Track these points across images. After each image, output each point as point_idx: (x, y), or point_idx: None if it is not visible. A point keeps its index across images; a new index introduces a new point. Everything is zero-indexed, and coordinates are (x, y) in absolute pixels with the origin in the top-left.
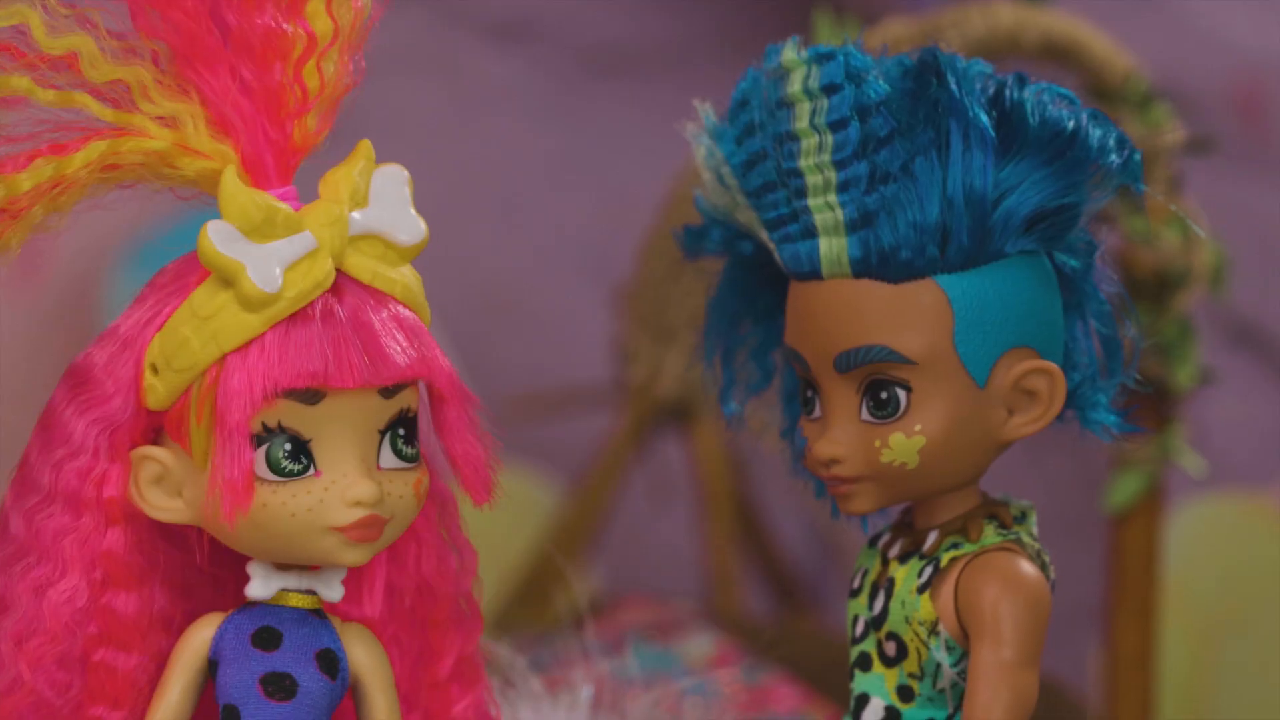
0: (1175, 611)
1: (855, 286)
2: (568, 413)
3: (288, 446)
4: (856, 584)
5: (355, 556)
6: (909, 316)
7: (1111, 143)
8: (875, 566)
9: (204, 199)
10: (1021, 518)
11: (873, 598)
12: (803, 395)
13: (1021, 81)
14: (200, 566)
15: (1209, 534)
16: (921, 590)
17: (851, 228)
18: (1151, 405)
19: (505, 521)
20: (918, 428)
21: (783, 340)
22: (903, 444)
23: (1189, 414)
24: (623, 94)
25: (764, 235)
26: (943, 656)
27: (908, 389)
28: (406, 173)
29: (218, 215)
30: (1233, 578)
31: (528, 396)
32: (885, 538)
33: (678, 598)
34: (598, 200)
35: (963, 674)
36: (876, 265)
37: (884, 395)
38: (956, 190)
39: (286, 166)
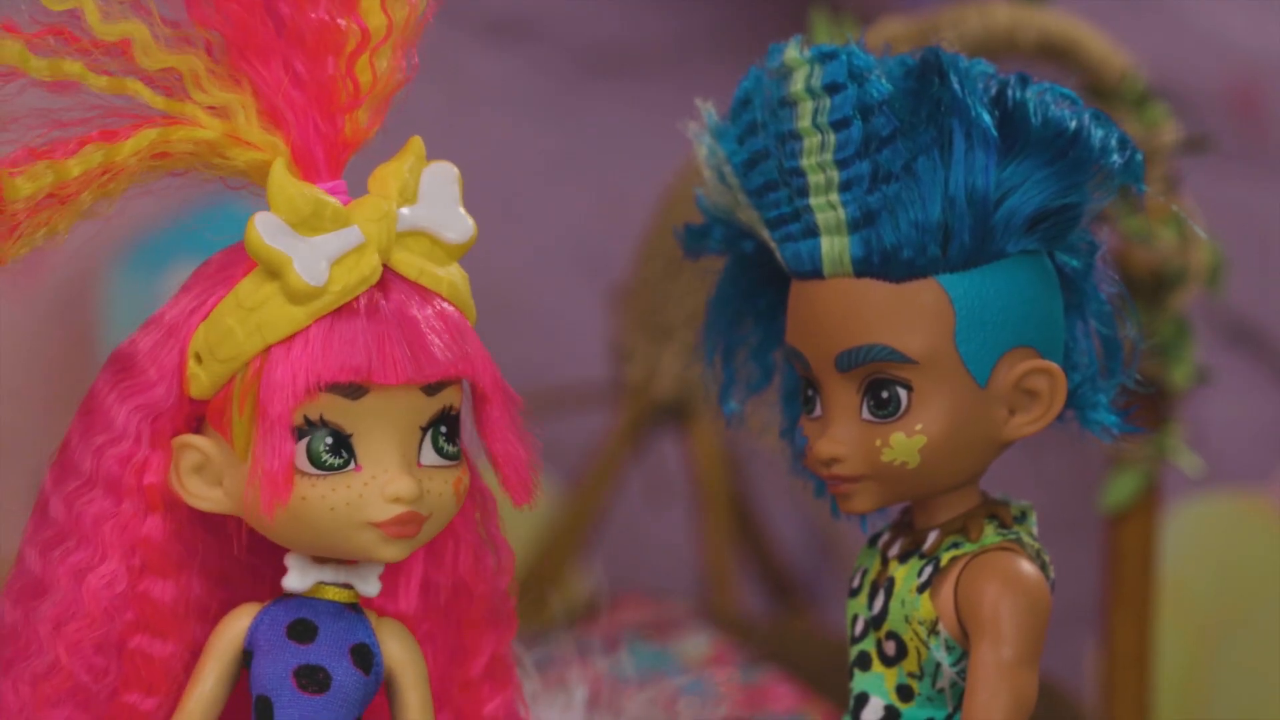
0: (1172, 610)
1: (857, 286)
2: (564, 412)
3: (329, 440)
4: (856, 583)
5: (393, 552)
6: (910, 316)
7: (1113, 143)
8: (875, 566)
9: (253, 189)
10: (1021, 517)
11: (872, 597)
12: (803, 394)
13: (1024, 81)
14: (238, 556)
15: (1206, 533)
16: (921, 590)
17: (853, 227)
18: (1148, 405)
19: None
20: (919, 427)
21: (783, 339)
22: (903, 443)
23: (1186, 413)
24: (621, 94)
25: (765, 234)
26: (942, 656)
27: (909, 388)
28: (456, 170)
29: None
30: (1229, 576)
31: (524, 395)
32: (885, 537)
33: (674, 597)
34: (595, 199)
35: (962, 673)
36: (878, 264)
37: (885, 394)
38: (959, 190)
39: (337, 160)
